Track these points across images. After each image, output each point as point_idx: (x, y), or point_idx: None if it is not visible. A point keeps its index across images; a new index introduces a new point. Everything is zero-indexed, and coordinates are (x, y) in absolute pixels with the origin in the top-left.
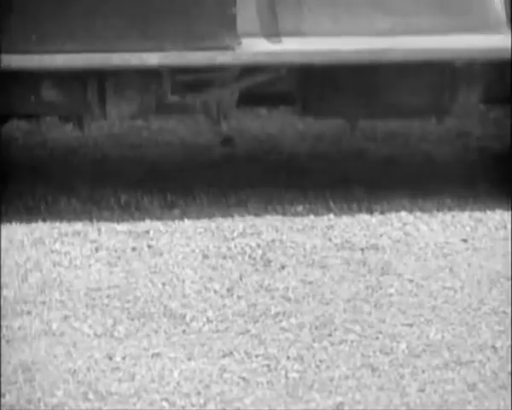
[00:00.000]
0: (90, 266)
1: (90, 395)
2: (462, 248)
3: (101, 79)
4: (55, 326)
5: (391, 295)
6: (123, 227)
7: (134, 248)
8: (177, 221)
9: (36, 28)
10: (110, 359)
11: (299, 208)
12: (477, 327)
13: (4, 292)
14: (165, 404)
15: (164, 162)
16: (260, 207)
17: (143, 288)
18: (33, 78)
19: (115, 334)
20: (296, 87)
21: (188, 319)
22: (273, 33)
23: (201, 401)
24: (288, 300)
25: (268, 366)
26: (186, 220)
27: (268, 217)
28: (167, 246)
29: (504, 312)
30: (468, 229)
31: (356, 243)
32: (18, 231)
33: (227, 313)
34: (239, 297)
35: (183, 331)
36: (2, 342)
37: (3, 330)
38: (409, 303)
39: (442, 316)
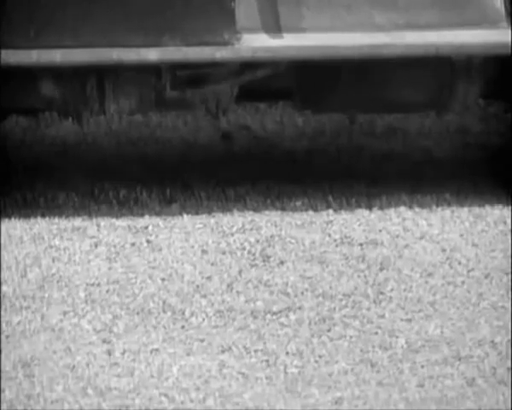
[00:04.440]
0: (89, 261)
1: (89, 391)
2: (462, 244)
3: (100, 74)
4: (54, 322)
5: (390, 290)
6: (122, 223)
7: (133, 244)
8: (176, 217)
9: (34, 23)
10: (109, 354)
11: (298, 204)
12: (476, 322)
13: (3, 288)
14: (164, 399)
15: (163, 158)
16: (259, 202)
17: (142, 283)
18: (32, 73)
19: (114, 329)
20: (295, 82)
21: (187, 314)
22: (273, 29)
23: (200, 396)
24: (287, 295)
25: (267, 361)
26: (185, 216)
27: (267, 212)
28: (166, 241)
29: (504, 307)
30: (467, 224)
31: (355, 239)
32: (17, 227)
33: (226, 309)
34: (238, 293)
35: (182, 327)
36: (2, 337)
37: (3, 325)
38: (408, 298)
39: (441, 311)
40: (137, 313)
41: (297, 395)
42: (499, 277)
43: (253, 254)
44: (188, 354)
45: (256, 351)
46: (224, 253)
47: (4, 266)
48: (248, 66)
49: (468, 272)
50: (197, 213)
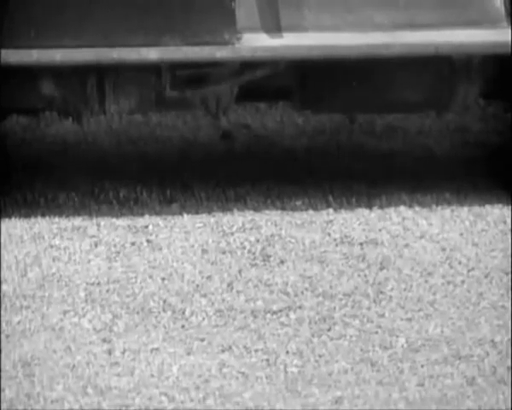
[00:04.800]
0: (89, 261)
1: (90, 390)
2: (462, 243)
3: (100, 74)
4: (54, 321)
5: (390, 289)
6: (122, 222)
7: (133, 243)
8: (176, 216)
9: (35, 23)
10: (109, 353)
11: (299, 203)
12: (476, 322)
13: (4, 287)
14: (164, 399)
15: (163, 157)
16: (259, 201)
17: (142, 283)
18: (32, 73)
19: (114, 329)
20: (295, 82)
21: (187, 313)
22: (273, 28)
23: (200, 395)
24: (288, 295)
25: (267, 360)
26: (185, 215)
27: (267, 212)
28: (166, 241)
29: (503, 306)
30: (467, 223)
31: (355, 238)
32: (17, 226)
33: (226, 308)
34: (238, 292)
35: (182, 326)
36: (2, 336)
37: (3, 325)
38: (408, 298)
39: (441, 311)
40: (137, 313)
41: (297, 394)
42: (499, 276)
43: (253, 254)
44: (188, 354)
45: (256, 350)
46: (224, 252)
47: (4, 265)
48: (248, 65)
49: (468, 271)
50: (197, 213)
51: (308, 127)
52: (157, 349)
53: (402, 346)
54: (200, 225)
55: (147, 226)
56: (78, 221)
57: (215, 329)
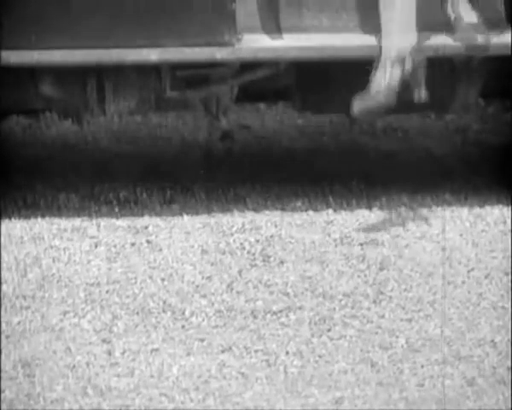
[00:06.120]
0: (89, 261)
1: (89, 391)
2: (462, 244)
3: (100, 74)
4: (54, 322)
5: (390, 290)
6: (122, 223)
7: (133, 244)
8: (176, 217)
9: (35, 24)
10: (109, 354)
11: (298, 204)
12: (476, 322)
13: (4, 288)
14: (164, 399)
15: (163, 158)
16: (259, 202)
17: (142, 283)
18: (32, 74)
19: (114, 329)
20: (295, 83)
21: (187, 314)
22: (273, 29)
23: (200, 396)
24: (287, 295)
25: (267, 361)
26: (185, 216)
27: (267, 212)
28: (166, 241)
29: (503, 307)
30: (467, 224)
31: (355, 239)
32: (17, 227)
33: (226, 309)
34: (238, 293)
35: (182, 327)
36: (2, 337)
37: (3, 325)
38: (408, 298)
39: (441, 311)
40: (137, 313)
41: (297, 394)
42: (499, 277)
43: (253, 254)
44: (188, 354)
45: (256, 351)
46: (223, 253)
47: (4, 266)
48: (248, 66)
49: (468, 271)
50: (197, 214)
51: (308, 128)
52: (157, 350)
53: (402, 346)
54: (200, 225)
55: (147, 227)
56: (78, 222)
57: (215, 329)
